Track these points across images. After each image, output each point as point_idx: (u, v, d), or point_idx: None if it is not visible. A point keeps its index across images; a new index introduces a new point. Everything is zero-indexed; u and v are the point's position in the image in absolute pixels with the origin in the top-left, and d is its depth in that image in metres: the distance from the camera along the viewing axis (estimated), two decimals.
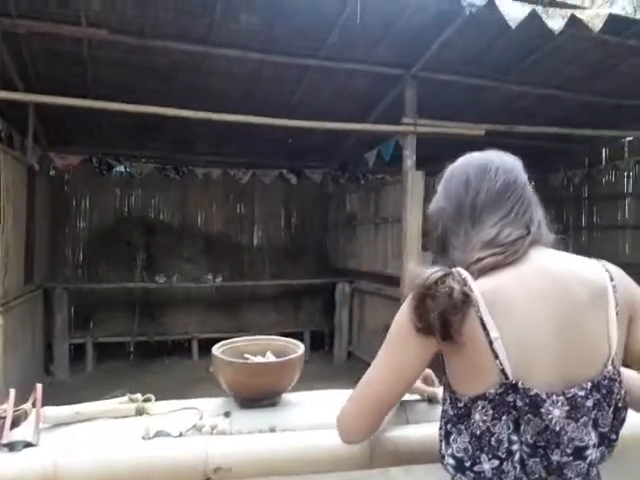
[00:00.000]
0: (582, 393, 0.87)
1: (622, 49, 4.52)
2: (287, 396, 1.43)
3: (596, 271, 0.95)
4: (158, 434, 1.20)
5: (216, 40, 4.64)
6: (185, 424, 1.24)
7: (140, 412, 1.31)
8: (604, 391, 0.88)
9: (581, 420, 0.86)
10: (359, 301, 6.45)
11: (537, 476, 0.88)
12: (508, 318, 0.87)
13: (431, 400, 1.36)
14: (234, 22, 4.38)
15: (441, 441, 0.96)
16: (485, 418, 0.87)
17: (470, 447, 0.89)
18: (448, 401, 0.95)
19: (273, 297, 7.11)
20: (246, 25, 4.45)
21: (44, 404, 1.28)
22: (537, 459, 0.87)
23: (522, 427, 0.86)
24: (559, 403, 0.86)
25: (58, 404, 1.40)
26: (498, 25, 3.78)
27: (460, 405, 0.90)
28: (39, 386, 1.25)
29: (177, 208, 7.62)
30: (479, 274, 0.90)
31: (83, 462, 1.10)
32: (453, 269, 0.90)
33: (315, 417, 1.32)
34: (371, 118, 6.03)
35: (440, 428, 0.97)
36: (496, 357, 0.85)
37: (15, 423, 1.20)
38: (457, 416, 0.91)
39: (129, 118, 5.61)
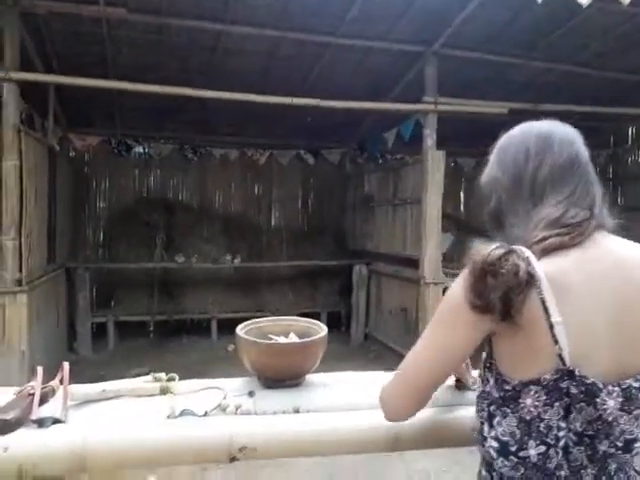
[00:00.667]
0: (637, 385, 0.85)
1: None
2: (310, 377, 1.42)
3: None
4: (183, 413, 1.21)
5: (232, 17, 4.59)
6: (209, 403, 1.25)
7: (164, 391, 1.32)
8: None
9: (634, 412, 0.85)
10: (376, 283, 6.43)
11: (579, 464, 0.86)
12: (570, 303, 0.84)
13: (459, 387, 1.33)
14: None
15: (482, 423, 0.94)
16: (537, 403, 0.85)
17: (518, 431, 0.87)
18: (492, 382, 0.91)
19: (290, 278, 7.12)
20: (262, 1, 4.38)
21: (69, 381, 1.29)
22: (582, 447, 0.86)
23: (573, 415, 0.85)
24: (614, 394, 0.84)
25: (81, 381, 1.42)
26: None
27: (508, 388, 0.88)
28: (66, 364, 1.27)
29: (195, 189, 7.64)
30: (542, 254, 0.86)
31: (111, 439, 1.11)
32: (515, 247, 0.86)
33: (339, 398, 1.32)
34: (391, 96, 5.93)
35: (481, 410, 0.94)
36: (555, 342, 0.82)
37: (43, 400, 1.22)
38: (503, 399, 0.89)
39: (148, 99, 5.61)
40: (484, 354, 0.98)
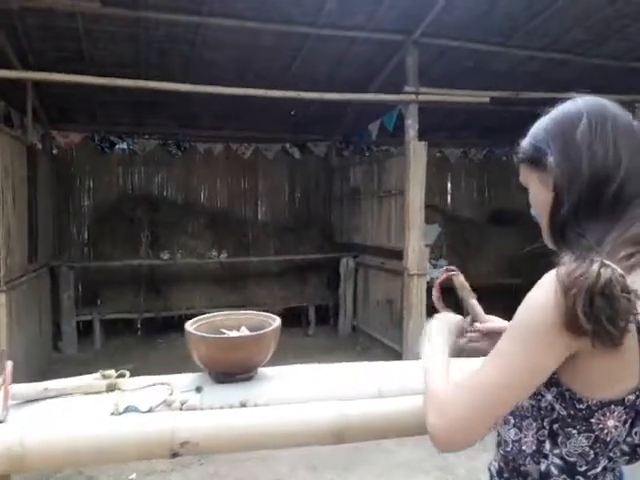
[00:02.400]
0: None
1: (632, 8, 4.32)
2: (264, 370, 1.41)
3: None
4: (127, 410, 1.19)
5: (210, 10, 4.54)
6: (155, 399, 1.23)
7: (111, 388, 1.29)
8: None
9: None
10: (363, 275, 6.42)
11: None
12: None
13: None
14: None
15: (542, 442, 0.87)
16: (617, 424, 0.83)
17: (591, 452, 0.84)
18: (551, 398, 0.86)
19: (278, 272, 7.10)
20: None
21: (50, 380, 1.27)
22: (626, 458, 0.88)
23: (635, 429, 0.85)
24: None
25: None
26: None
27: (581, 407, 0.83)
28: (9, 363, 1.24)
29: (180, 184, 7.60)
30: (629, 272, 0.79)
31: (49, 438, 1.09)
32: (610, 263, 0.77)
33: (289, 391, 1.30)
34: (373, 87, 5.90)
35: (540, 428, 0.88)
36: None
37: None
38: (572, 417, 0.84)
39: (128, 94, 5.56)
40: None
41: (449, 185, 8.63)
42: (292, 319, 6.85)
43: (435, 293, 1.31)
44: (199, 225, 7.05)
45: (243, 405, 1.24)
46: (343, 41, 5.12)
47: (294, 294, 6.93)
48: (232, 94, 4.98)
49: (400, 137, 5.59)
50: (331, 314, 6.95)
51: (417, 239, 4.94)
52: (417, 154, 4.95)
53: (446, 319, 1.20)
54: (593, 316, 0.74)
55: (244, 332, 1.41)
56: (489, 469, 1.03)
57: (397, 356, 5.23)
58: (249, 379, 1.36)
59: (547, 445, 0.86)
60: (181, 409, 1.22)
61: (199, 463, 3.41)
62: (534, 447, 0.88)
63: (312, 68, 5.63)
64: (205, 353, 1.31)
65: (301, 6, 4.56)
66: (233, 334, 1.41)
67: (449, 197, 8.66)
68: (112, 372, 1.36)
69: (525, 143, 1.00)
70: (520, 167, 1.02)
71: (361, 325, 6.40)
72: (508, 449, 0.93)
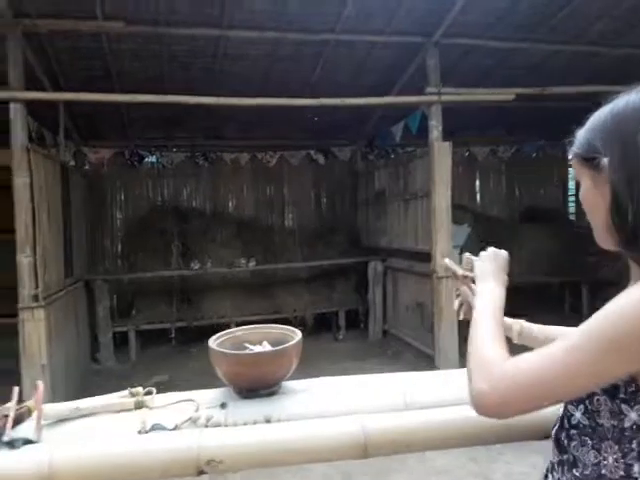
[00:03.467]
0: None
1: None
2: (288, 384, 1.41)
3: None
4: (154, 428, 1.21)
5: (230, 22, 4.61)
6: (181, 417, 1.25)
7: (139, 406, 1.32)
8: None
9: None
10: (392, 279, 6.37)
11: None
12: None
13: None
14: (247, 1, 4.32)
15: (630, 465, 0.82)
16: None
17: None
18: (637, 417, 0.81)
19: (306, 278, 7.12)
20: (259, 4, 4.38)
21: (92, 392, 1.31)
22: None
23: None
24: None
25: (105, 390, 1.45)
26: None
27: None
28: (40, 383, 1.28)
29: (208, 194, 7.72)
30: None
31: (78, 457, 1.12)
32: None
33: (313, 406, 1.30)
34: (395, 90, 5.87)
35: (629, 451, 0.82)
36: None
37: (19, 421, 1.24)
38: None
39: (155, 109, 5.69)
40: (619, 383, 0.85)
41: (478, 184, 8.49)
42: (322, 324, 6.86)
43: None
44: (227, 234, 7.14)
45: (267, 421, 1.25)
46: (363, 46, 5.12)
47: (323, 299, 6.93)
48: (255, 104, 5.03)
49: (425, 138, 5.54)
50: (361, 319, 6.92)
51: (445, 241, 4.88)
52: (442, 155, 4.90)
53: (499, 256, 1.10)
54: None
55: (266, 347, 1.42)
56: None
57: (429, 360, 5.16)
58: (273, 394, 1.37)
59: (636, 468, 0.80)
60: (206, 426, 1.23)
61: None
62: (622, 472, 0.82)
63: (333, 74, 5.64)
64: (227, 369, 1.33)
65: (320, 13, 4.58)
66: (256, 349, 1.43)
67: (478, 196, 8.52)
68: (140, 389, 1.38)
69: (581, 137, 0.92)
70: (573, 161, 0.95)
71: (392, 329, 6.35)
72: (587, 472, 0.86)
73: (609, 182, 0.84)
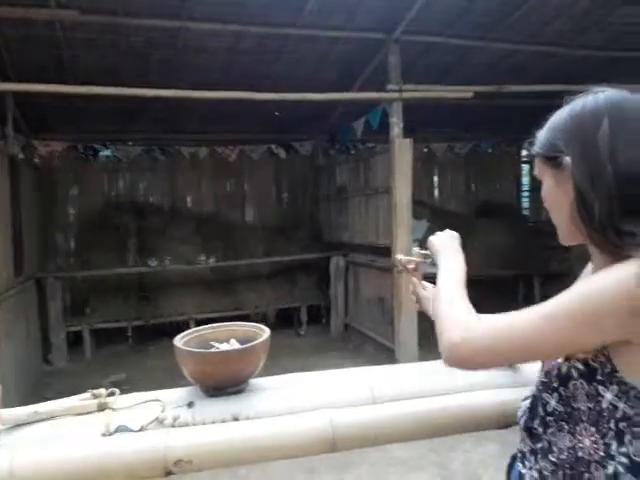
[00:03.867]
0: None
1: None
2: (255, 381, 1.40)
3: None
4: (118, 429, 1.18)
5: (191, 14, 4.50)
6: (147, 417, 1.22)
7: (102, 407, 1.28)
8: None
9: None
10: (354, 274, 6.43)
11: None
12: None
13: None
14: None
15: (608, 445, 0.85)
16: None
17: None
18: (617, 397, 0.84)
19: (268, 274, 7.08)
20: None
21: (42, 394, 1.25)
22: None
23: None
24: None
25: (58, 392, 1.38)
26: None
27: None
28: None
29: (166, 189, 7.54)
30: None
31: (39, 462, 1.08)
32: None
33: (281, 403, 1.30)
34: (356, 86, 5.89)
35: (607, 430, 0.85)
36: None
37: None
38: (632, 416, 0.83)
39: (110, 101, 5.49)
40: (596, 366, 0.88)
41: (436, 180, 8.66)
42: (284, 320, 6.85)
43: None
44: (186, 230, 7.01)
45: (235, 419, 1.23)
46: (325, 41, 5.11)
47: (285, 295, 6.91)
48: (215, 98, 4.95)
49: (386, 134, 5.60)
50: (323, 313, 6.95)
51: (405, 236, 4.96)
52: (402, 151, 4.96)
53: (451, 235, 1.17)
54: None
55: (234, 345, 1.40)
56: (522, 478, 0.98)
57: (389, 353, 5.24)
58: (240, 391, 1.36)
59: (614, 446, 0.84)
60: (173, 426, 1.21)
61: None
62: (602, 453, 0.85)
63: (295, 69, 5.61)
64: (194, 368, 1.31)
65: (282, 8, 4.54)
66: (223, 347, 1.41)
67: (436, 192, 8.69)
68: (102, 391, 1.34)
69: (542, 137, 0.97)
70: (535, 160, 0.99)
71: (353, 323, 6.41)
72: (563, 457, 0.89)
73: (572, 179, 0.87)
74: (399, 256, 1.38)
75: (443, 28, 4.92)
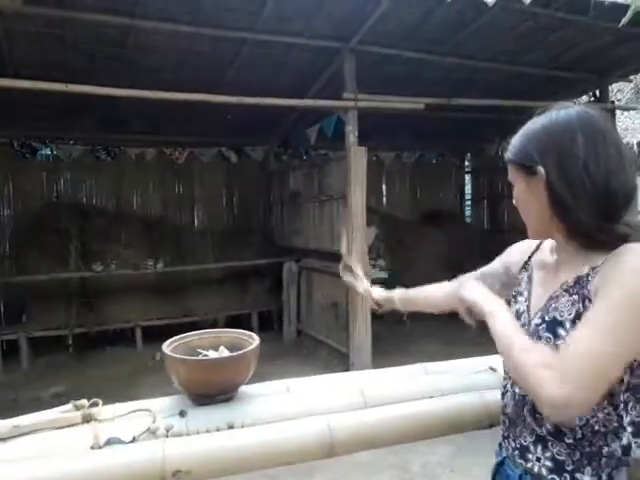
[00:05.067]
0: None
1: (551, 21, 4.65)
2: (243, 389, 1.38)
3: None
4: (109, 442, 1.13)
5: (144, 12, 4.36)
6: (138, 428, 1.18)
7: (87, 419, 1.23)
8: None
9: None
10: (307, 279, 6.44)
11: None
12: None
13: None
14: None
15: (621, 416, 0.92)
16: None
17: None
18: (627, 372, 0.91)
19: (218, 280, 6.95)
20: None
21: None
22: None
23: None
24: None
25: None
26: None
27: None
28: None
29: (111, 191, 7.22)
30: None
31: (28, 479, 1.02)
32: None
33: (274, 409, 1.29)
34: (310, 93, 5.93)
35: (617, 402, 0.92)
36: None
37: None
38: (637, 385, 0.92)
39: (52, 97, 5.22)
40: None
41: (384, 187, 8.86)
42: (235, 327, 6.72)
43: None
44: (133, 234, 6.75)
45: (230, 427, 1.22)
46: (281, 47, 5.11)
47: (236, 301, 6.81)
48: (168, 99, 4.82)
49: (338, 142, 5.67)
50: (274, 320, 6.91)
51: (360, 242, 5.04)
52: (358, 159, 5.05)
53: (473, 281, 1.17)
54: None
55: (223, 352, 1.38)
56: (529, 472, 0.99)
57: (343, 357, 5.29)
58: (230, 399, 1.34)
59: (624, 415, 0.91)
60: (167, 436, 1.17)
61: None
62: (615, 424, 0.91)
63: (250, 73, 5.58)
64: (186, 376, 1.28)
65: (238, 11, 4.50)
66: (211, 354, 1.38)
67: (384, 199, 8.89)
68: (84, 401, 1.28)
69: (516, 145, 1.05)
70: (508, 164, 1.07)
71: (306, 329, 6.41)
72: (579, 436, 0.92)
73: (548, 188, 0.97)
74: (346, 261, 1.44)
75: (397, 41, 5.06)
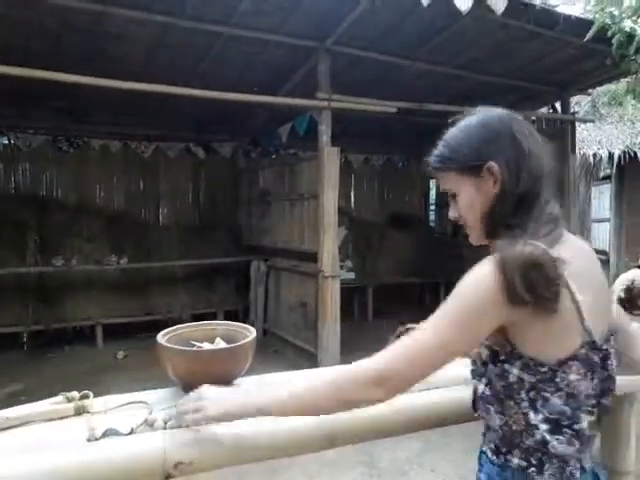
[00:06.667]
0: (613, 343, 1.01)
1: (521, 32, 4.81)
2: (239, 381, 1.37)
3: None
4: (106, 433, 1.09)
5: None
6: (134, 420, 1.14)
7: (80, 411, 1.18)
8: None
9: (616, 366, 1.01)
10: (275, 278, 6.41)
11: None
12: (581, 283, 0.94)
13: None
14: None
15: (526, 414, 0.96)
16: (579, 377, 0.94)
17: (567, 409, 0.94)
18: (517, 371, 0.95)
19: (183, 277, 6.82)
20: None
21: None
22: (596, 409, 0.99)
23: (595, 381, 0.97)
24: (613, 354, 0.99)
25: None
26: (411, 2, 3.86)
27: (544, 370, 0.93)
28: None
29: (72, 183, 6.95)
30: (551, 245, 0.93)
31: (23, 473, 0.97)
32: (534, 242, 0.91)
33: None
34: (282, 92, 5.91)
35: (520, 402, 0.97)
36: (583, 319, 0.93)
37: None
38: (541, 381, 0.94)
39: (12, 83, 4.99)
40: (484, 349, 1.01)
41: (352, 189, 8.93)
42: None
43: None
44: (95, 228, 6.54)
45: None
46: (256, 43, 5.07)
47: (201, 299, 6.71)
48: (135, 90, 4.70)
49: (309, 141, 5.67)
50: (241, 319, 6.84)
51: (331, 242, 5.06)
52: (330, 159, 5.07)
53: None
54: (530, 287, 0.88)
55: (219, 344, 1.36)
56: (483, 452, 1.09)
57: (311, 357, 5.30)
58: None
59: (532, 415, 0.95)
60: (165, 428, 1.14)
61: None
62: (523, 422, 0.97)
63: (223, 68, 5.51)
64: (184, 367, 1.25)
65: (214, 3, 4.44)
66: (206, 346, 1.36)
67: (352, 201, 8.95)
68: (75, 393, 1.23)
69: (456, 149, 1.07)
70: (443, 175, 1.11)
71: (272, 328, 6.38)
72: (501, 434, 1.01)
73: (499, 181, 1.01)
74: None
75: (371, 43, 5.11)
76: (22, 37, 4.74)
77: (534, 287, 0.87)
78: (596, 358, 0.96)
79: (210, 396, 1.06)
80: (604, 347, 0.97)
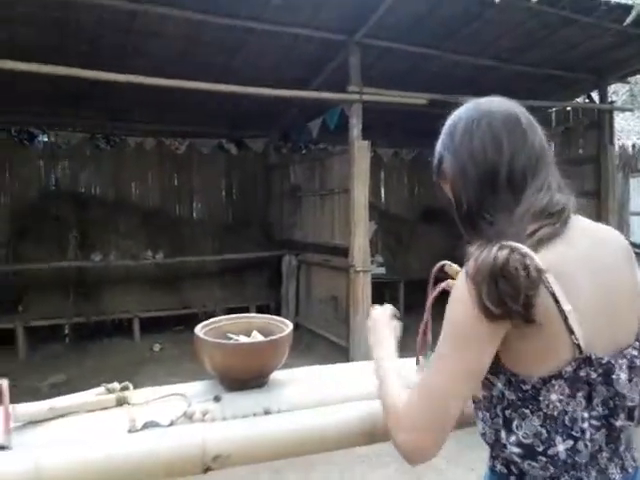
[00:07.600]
0: (635, 353, 0.88)
1: (555, 19, 4.66)
2: (275, 375, 1.38)
3: (618, 234, 0.97)
4: (147, 425, 1.12)
5: None
6: (174, 412, 1.16)
7: (121, 402, 1.21)
8: None
9: (634, 380, 0.86)
10: (306, 273, 6.43)
11: (596, 448, 0.86)
12: (573, 289, 0.83)
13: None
14: None
15: (498, 431, 0.89)
16: (561, 397, 0.83)
17: (544, 430, 0.84)
18: (501, 385, 0.87)
19: (217, 272, 6.92)
20: None
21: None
22: (603, 430, 0.85)
23: (595, 400, 0.84)
24: (623, 366, 0.86)
25: None
26: None
27: (526, 388, 0.84)
28: (4, 382, 1.12)
29: (110, 180, 7.13)
30: (537, 246, 0.83)
31: (69, 461, 1.00)
32: (510, 243, 0.81)
33: (308, 395, 1.29)
34: (314, 85, 5.90)
35: (495, 417, 0.89)
36: (571, 332, 0.81)
37: None
38: (521, 400, 0.85)
39: (51, 83, 5.15)
40: None
41: (382, 184, 8.86)
42: None
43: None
44: (131, 224, 6.70)
45: (267, 412, 1.21)
46: (287, 38, 5.08)
47: (234, 294, 6.78)
48: (171, 87, 4.77)
49: (339, 136, 5.65)
50: (272, 313, 6.90)
51: (362, 236, 5.04)
52: (361, 153, 5.04)
53: (383, 315, 1.26)
54: (497, 299, 0.78)
55: (257, 337, 1.37)
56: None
57: (343, 351, 5.30)
58: (263, 385, 1.33)
59: (503, 434, 0.88)
60: (203, 420, 1.16)
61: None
62: (494, 437, 0.90)
63: (255, 64, 5.55)
64: (221, 360, 1.26)
65: (246, 0, 4.47)
66: (242, 339, 1.37)
67: (382, 195, 8.88)
68: (116, 385, 1.27)
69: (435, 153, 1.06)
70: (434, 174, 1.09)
71: (304, 322, 6.40)
72: (487, 440, 0.94)
73: (450, 183, 1.00)
74: None
75: (401, 34, 5.04)
76: (59, 38, 4.87)
77: (502, 299, 0.78)
78: (593, 375, 0.83)
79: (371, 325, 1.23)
80: (605, 361, 0.84)
